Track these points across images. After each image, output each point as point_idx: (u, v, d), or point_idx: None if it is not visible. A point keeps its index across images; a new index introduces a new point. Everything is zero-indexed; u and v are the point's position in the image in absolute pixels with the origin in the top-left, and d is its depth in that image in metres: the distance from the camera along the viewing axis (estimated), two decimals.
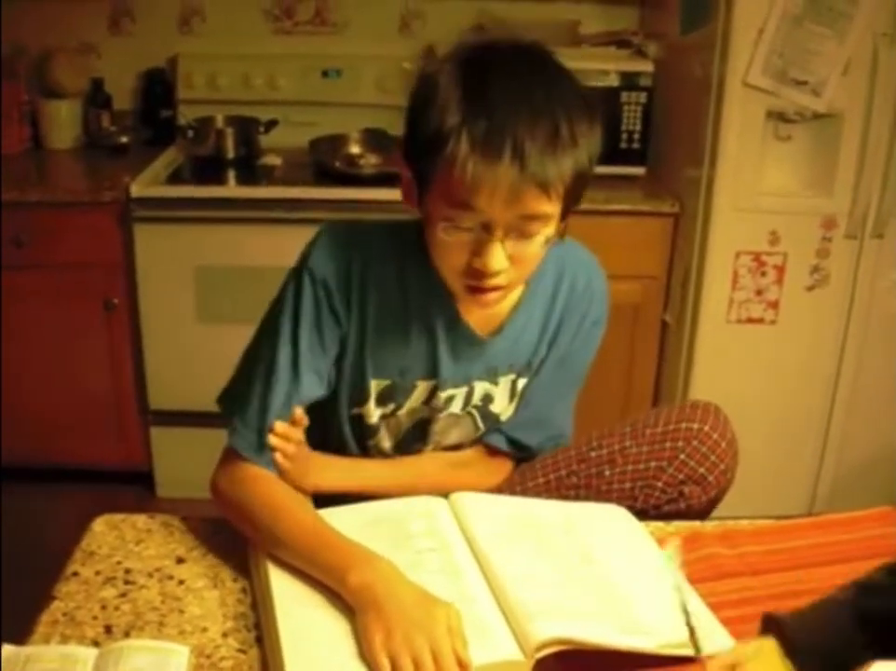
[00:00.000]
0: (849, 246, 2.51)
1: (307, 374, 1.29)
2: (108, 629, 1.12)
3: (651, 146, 2.77)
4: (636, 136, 2.73)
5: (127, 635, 1.11)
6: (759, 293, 2.54)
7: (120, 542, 1.29)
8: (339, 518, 1.23)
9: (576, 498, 1.40)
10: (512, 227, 1.14)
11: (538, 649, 1.04)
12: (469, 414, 1.43)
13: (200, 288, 2.67)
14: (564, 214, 1.19)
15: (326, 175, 2.76)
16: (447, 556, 1.21)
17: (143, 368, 2.76)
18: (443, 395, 1.38)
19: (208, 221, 2.61)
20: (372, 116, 3.00)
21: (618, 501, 1.38)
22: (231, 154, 2.86)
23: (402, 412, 1.40)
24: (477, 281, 1.19)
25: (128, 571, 1.23)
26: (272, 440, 1.27)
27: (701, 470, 1.36)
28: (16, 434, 2.71)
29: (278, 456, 1.27)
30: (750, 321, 2.57)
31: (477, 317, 1.34)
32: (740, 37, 2.33)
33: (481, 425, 1.45)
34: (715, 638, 1.11)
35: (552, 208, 1.14)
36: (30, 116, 3.00)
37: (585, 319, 1.42)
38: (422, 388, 1.37)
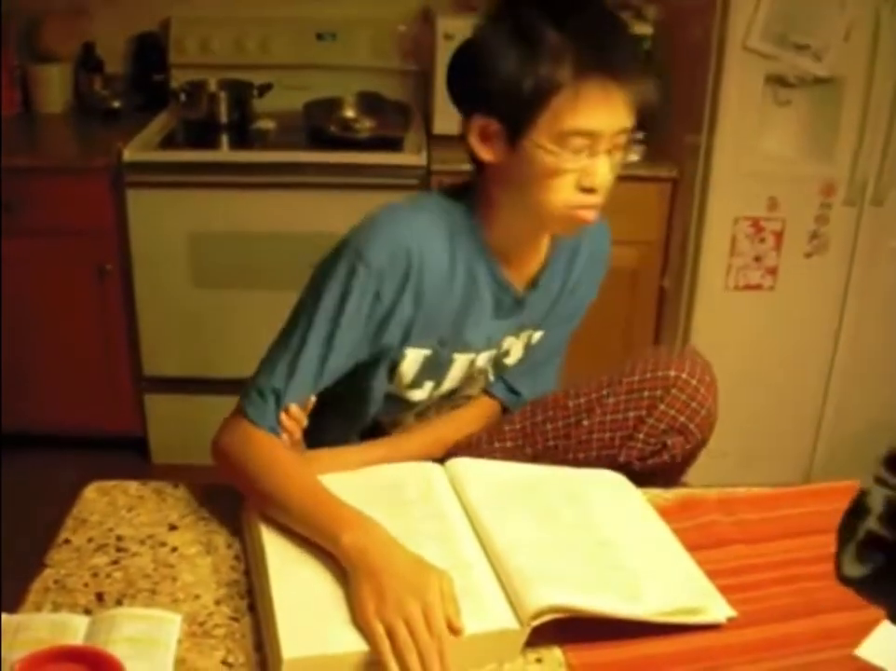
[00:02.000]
0: (849, 213, 2.49)
1: (336, 357, 1.27)
2: (100, 597, 1.11)
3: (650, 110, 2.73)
4: None
5: (119, 602, 1.10)
6: (758, 259, 2.52)
7: (112, 509, 1.28)
8: (335, 484, 1.21)
9: (555, 448, 1.40)
10: (611, 143, 1.22)
11: (534, 617, 1.04)
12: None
13: (194, 253, 2.64)
14: None
15: (320, 139, 2.72)
16: (443, 523, 1.20)
17: (137, 335, 2.74)
18: (480, 359, 1.42)
19: (201, 186, 2.58)
20: (366, 79, 2.96)
21: (598, 451, 1.38)
22: (224, 118, 2.82)
23: (441, 390, 1.44)
24: (588, 199, 1.24)
25: (119, 538, 1.22)
26: (285, 421, 1.26)
27: (682, 418, 1.34)
28: (9, 401, 2.69)
29: (285, 437, 1.27)
30: (748, 287, 2.55)
31: (514, 275, 1.37)
32: (741, 0, 2.29)
33: (491, 376, 1.50)
34: (714, 607, 1.11)
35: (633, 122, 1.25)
36: (20, 80, 2.96)
37: (596, 283, 1.48)
38: (461, 362, 1.40)
